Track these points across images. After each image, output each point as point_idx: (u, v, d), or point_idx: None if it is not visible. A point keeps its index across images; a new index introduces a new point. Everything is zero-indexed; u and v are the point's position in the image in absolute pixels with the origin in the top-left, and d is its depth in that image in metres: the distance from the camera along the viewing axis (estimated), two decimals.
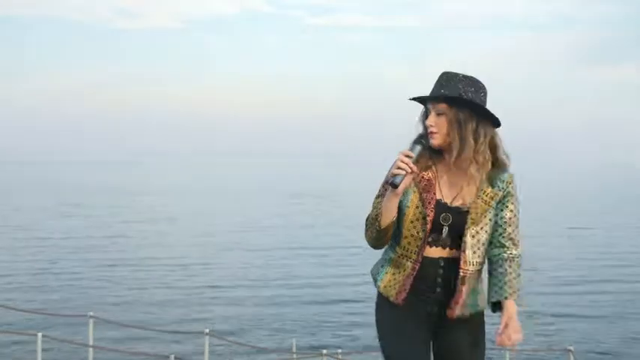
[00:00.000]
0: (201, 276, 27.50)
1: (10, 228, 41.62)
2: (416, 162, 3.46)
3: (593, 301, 24.40)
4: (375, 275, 3.68)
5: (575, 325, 21.20)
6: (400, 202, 3.51)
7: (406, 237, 3.50)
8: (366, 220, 3.55)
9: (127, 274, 27.50)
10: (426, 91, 3.55)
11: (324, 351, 12.98)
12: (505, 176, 3.53)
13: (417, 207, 3.48)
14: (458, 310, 3.53)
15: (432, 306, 3.55)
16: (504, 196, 3.53)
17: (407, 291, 3.52)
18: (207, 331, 11.81)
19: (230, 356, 16.27)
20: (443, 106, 3.44)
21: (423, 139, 3.48)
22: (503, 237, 3.55)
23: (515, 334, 3.38)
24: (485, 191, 3.50)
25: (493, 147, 3.51)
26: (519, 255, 3.59)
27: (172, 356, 10.23)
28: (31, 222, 45.49)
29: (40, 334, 10.63)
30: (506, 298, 3.48)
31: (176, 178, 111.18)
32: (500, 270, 3.55)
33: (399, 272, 3.55)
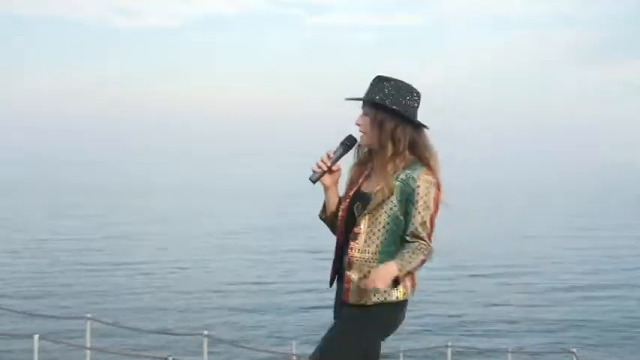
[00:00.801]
0: (200, 278, 27.32)
1: (7, 230, 41.36)
2: (337, 161, 3.74)
3: (597, 304, 24.25)
4: None
5: (577, 327, 21.09)
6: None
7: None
8: None
9: (125, 276, 27.36)
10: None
11: None
12: (417, 173, 3.63)
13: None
14: (351, 297, 3.66)
15: (340, 292, 3.73)
16: (410, 193, 3.62)
17: (332, 274, 3.78)
18: (205, 333, 11.73)
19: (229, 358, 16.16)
20: (367, 108, 3.67)
21: (348, 140, 3.73)
22: (407, 233, 3.63)
23: (371, 280, 3.50)
24: (390, 184, 3.63)
25: (413, 145, 3.68)
26: (423, 246, 3.62)
27: (170, 358, 10.11)
28: (28, 223, 45.29)
29: (36, 337, 10.55)
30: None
31: (176, 178, 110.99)
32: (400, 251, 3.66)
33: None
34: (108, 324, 14.02)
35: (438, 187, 3.64)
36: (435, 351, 16.74)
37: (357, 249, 3.66)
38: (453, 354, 14.31)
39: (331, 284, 3.82)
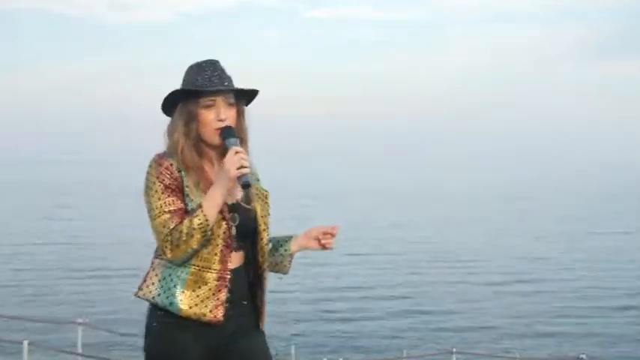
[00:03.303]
0: None
1: None
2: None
3: (605, 310, 23.92)
4: (164, 299, 3.28)
5: (586, 333, 20.79)
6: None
7: (205, 246, 3.21)
8: (184, 231, 3.14)
9: (119, 279, 26.95)
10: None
11: (325, 359, 12.67)
12: (257, 174, 3.46)
13: None
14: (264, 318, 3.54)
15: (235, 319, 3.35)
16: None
17: (224, 305, 3.25)
18: None
19: None
20: (233, 98, 3.30)
21: (232, 131, 3.25)
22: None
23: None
24: (257, 188, 3.43)
25: None
26: None
27: None
28: (21, 224, 44.88)
29: (26, 342, 10.51)
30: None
31: None
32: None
33: (201, 287, 3.23)
34: (100, 329, 13.79)
35: None
36: (439, 356, 16.45)
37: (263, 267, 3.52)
38: (457, 359, 13.95)
39: (224, 316, 3.32)
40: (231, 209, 3.27)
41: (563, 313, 23.14)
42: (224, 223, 3.22)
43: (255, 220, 3.35)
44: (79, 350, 11.50)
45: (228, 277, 3.25)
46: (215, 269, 3.22)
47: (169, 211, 3.18)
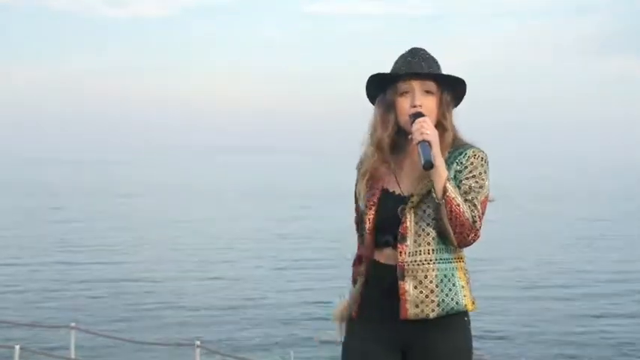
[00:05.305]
0: (195, 287, 26.65)
1: None
2: None
3: (616, 317, 23.68)
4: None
5: (595, 340, 20.62)
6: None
7: None
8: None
9: (114, 283, 26.80)
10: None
11: None
12: (467, 152, 3.19)
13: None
14: (409, 310, 3.15)
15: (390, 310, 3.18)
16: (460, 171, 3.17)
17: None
18: (198, 343, 11.29)
19: None
20: (432, 85, 3.13)
21: (421, 115, 3.08)
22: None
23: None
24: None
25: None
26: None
27: None
28: (19, 225, 44.58)
29: (17, 347, 10.49)
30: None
31: (176, 178, 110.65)
32: None
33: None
34: (93, 334, 13.78)
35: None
36: None
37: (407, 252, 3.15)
38: None
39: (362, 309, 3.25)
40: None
41: (570, 319, 22.96)
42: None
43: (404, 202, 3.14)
44: (72, 355, 11.39)
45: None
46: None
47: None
